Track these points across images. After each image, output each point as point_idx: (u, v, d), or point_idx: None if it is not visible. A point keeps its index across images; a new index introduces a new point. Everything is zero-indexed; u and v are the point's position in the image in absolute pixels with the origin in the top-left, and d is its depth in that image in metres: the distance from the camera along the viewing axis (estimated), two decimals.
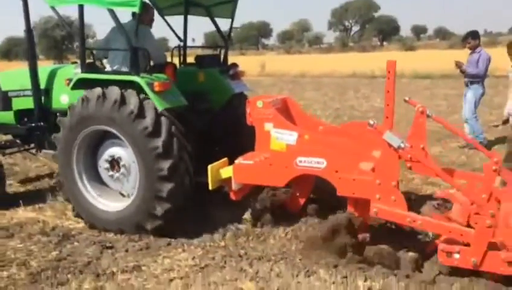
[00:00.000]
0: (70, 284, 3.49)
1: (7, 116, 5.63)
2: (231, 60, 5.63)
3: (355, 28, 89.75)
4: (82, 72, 4.53)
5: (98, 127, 4.34)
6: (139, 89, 4.20)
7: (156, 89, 4.16)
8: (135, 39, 4.36)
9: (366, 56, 41.61)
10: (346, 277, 3.33)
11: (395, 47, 65.91)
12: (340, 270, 3.44)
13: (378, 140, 3.57)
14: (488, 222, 3.12)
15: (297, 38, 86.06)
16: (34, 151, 5.82)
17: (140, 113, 4.10)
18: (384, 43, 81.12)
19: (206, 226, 4.60)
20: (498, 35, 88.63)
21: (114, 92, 4.18)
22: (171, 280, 3.50)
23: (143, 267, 3.72)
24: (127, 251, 4.03)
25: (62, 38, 44.88)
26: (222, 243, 4.23)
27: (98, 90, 4.24)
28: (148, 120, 4.09)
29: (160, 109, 4.12)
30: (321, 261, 3.57)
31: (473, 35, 7.77)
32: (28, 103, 5.40)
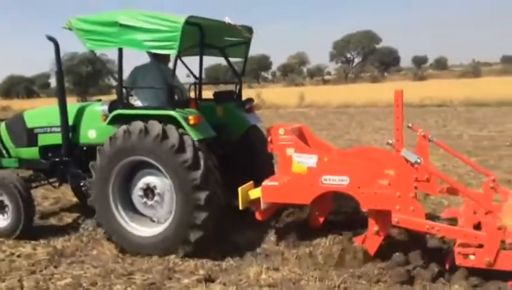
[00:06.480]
0: None
1: (32, 152, 5.84)
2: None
3: (357, 60, 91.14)
4: (120, 108, 4.89)
5: (137, 157, 4.65)
6: (174, 123, 4.54)
7: (191, 122, 4.54)
8: (171, 78, 4.78)
9: (384, 86, 38.55)
10: None
11: (398, 77, 67.64)
12: None
13: (395, 157, 3.99)
14: (499, 224, 3.46)
15: (297, 70, 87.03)
16: (56, 184, 6.05)
17: (181, 147, 4.42)
18: (385, 73, 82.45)
19: None
20: (486, 64, 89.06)
21: (156, 126, 4.50)
22: None
23: None
24: None
25: (87, 75, 43.43)
26: None
27: (139, 124, 4.56)
28: (189, 154, 4.40)
29: (195, 139, 4.47)
30: None
31: None
32: (54, 139, 5.62)
